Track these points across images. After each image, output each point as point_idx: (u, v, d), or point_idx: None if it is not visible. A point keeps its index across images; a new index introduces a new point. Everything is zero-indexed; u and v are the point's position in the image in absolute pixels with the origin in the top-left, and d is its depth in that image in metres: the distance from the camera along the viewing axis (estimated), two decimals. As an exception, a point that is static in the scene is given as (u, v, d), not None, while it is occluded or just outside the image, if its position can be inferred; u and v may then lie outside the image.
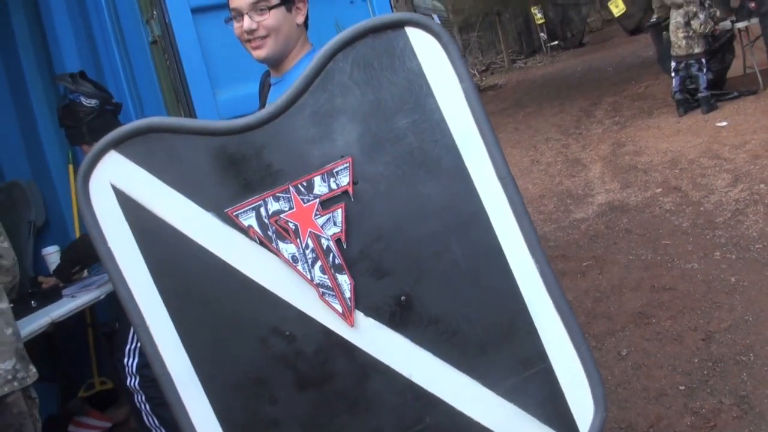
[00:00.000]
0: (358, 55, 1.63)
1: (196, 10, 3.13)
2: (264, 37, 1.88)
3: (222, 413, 1.64)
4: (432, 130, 1.64)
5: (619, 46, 20.78)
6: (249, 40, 1.90)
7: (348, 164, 1.60)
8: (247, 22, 1.87)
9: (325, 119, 1.62)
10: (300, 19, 1.95)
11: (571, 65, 19.47)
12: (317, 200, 1.60)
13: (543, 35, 24.78)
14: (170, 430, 3.02)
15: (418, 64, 1.64)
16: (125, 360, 2.96)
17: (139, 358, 2.97)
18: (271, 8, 1.86)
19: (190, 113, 3.11)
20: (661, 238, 4.83)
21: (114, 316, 3.63)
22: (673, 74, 8.60)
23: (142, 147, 1.63)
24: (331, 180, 1.60)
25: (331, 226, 1.61)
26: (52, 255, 3.70)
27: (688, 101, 8.77)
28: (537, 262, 1.66)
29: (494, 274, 1.67)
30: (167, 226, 1.62)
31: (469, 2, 26.68)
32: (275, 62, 1.96)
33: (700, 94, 8.43)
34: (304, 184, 1.60)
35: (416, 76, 1.63)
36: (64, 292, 3.14)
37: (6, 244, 2.30)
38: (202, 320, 1.63)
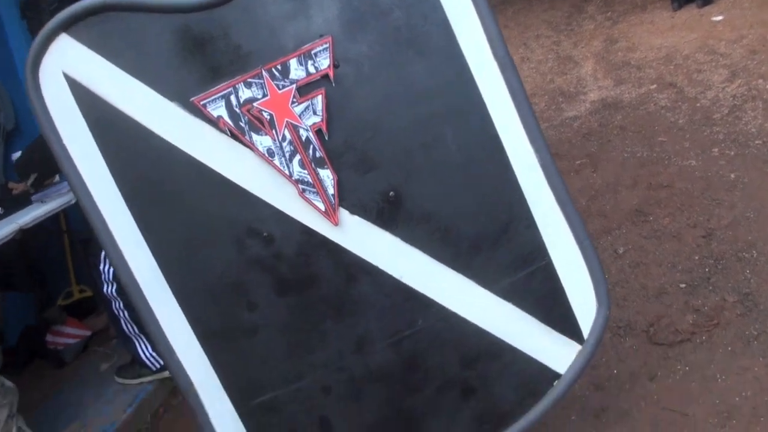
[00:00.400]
0: None
1: None
2: None
3: (196, 321, 1.51)
4: (421, 4, 1.45)
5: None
6: None
7: (328, 45, 1.42)
8: None
9: (300, -5, 1.43)
10: None
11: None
12: (294, 86, 1.43)
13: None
14: (148, 335, 2.92)
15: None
16: (101, 266, 2.83)
17: None
18: None
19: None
20: (656, 135, 4.66)
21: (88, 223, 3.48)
22: (669, -35, 8.23)
23: (97, 29, 1.44)
24: (309, 63, 1.43)
25: (311, 115, 1.44)
26: None
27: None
28: (537, 150, 1.52)
29: (490, 164, 1.52)
30: (127, 119, 1.46)
31: None
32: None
33: (696, -13, 8.11)
34: (279, 67, 1.42)
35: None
36: (34, 197, 2.97)
37: None
38: (169, 222, 1.49)
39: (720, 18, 7.30)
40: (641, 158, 4.33)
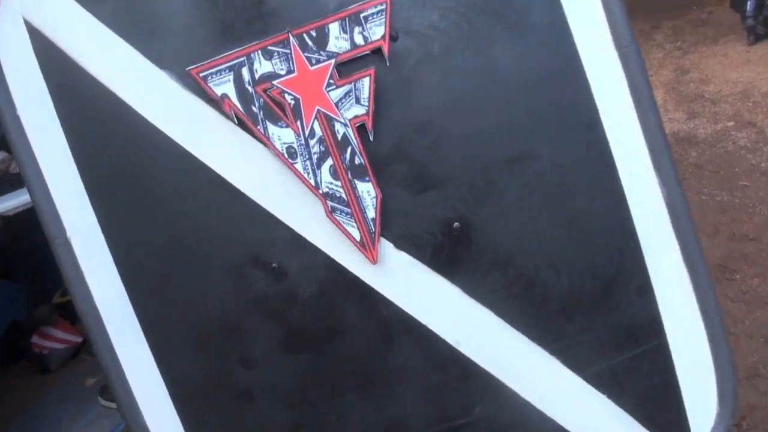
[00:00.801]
0: None
1: None
2: None
3: (170, 374, 1.11)
4: None
5: (676, -31, 19.64)
6: None
7: (385, 6, 1.00)
8: None
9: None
10: None
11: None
12: (332, 61, 1.01)
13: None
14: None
15: None
16: None
17: None
18: None
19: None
20: (737, 177, 4.24)
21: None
22: (748, -2, 7.76)
23: (74, -35, 1.05)
24: (356, 30, 1.01)
25: (352, 105, 1.01)
26: None
27: (758, 29, 7.97)
28: (663, 181, 1.08)
29: (596, 194, 1.09)
30: (100, 88, 1.08)
31: None
32: None
33: (776, 22, 7.63)
34: (313, 33, 1.00)
35: None
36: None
37: None
38: (145, 234, 1.08)
39: (800, 54, 6.82)
40: (721, 203, 3.90)
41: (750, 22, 7.93)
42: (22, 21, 1.08)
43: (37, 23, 1.08)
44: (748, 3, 7.83)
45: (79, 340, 3.05)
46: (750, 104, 5.75)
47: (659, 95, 6.75)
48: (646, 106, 1.08)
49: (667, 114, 6.05)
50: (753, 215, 3.65)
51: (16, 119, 1.09)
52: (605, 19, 1.05)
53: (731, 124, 5.34)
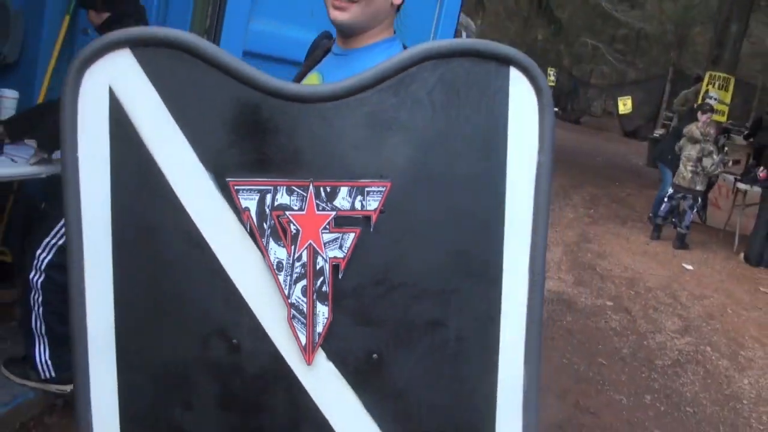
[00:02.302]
0: (448, 74, 1.37)
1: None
2: (353, 1, 1.60)
3: (126, 396, 1.37)
4: (487, 193, 1.40)
5: (611, 142, 21.03)
6: None
7: (384, 189, 1.35)
8: (344, -21, 1.59)
9: (381, 127, 1.36)
10: (397, 0, 1.68)
11: (561, 137, 19.54)
12: (334, 213, 1.35)
13: (548, 96, 25.14)
14: (52, 341, 2.72)
15: (506, 116, 1.39)
16: (37, 251, 2.65)
17: (53, 255, 2.66)
18: None
19: (216, 28, 2.81)
20: (599, 354, 4.70)
21: (43, 195, 3.30)
22: (666, 200, 8.60)
23: (163, 61, 1.34)
24: (358, 198, 1.35)
25: (335, 248, 1.35)
26: (7, 100, 3.36)
27: (662, 230, 8.82)
28: (525, 384, 1.45)
29: (478, 373, 1.44)
30: (152, 164, 1.35)
31: (497, 37, 26.81)
32: (350, 32, 1.67)
33: (679, 229, 8.47)
34: (328, 189, 1.34)
35: (497, 128, 1.39)
36: (6, 149, 2.81)
37: None
38: (146, 285, 1.37)
39: (690, 267, 7.57)
40: (578, 372, 4.34)
41: (659, 221, 8.80)
42: (107, 88, 1.36)
43: (119, 93, 1.35)
44: (663, 204, 8.68)
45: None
46: (632, 292, 6.37)
47: (558, 252, 7.38)
48: (534, 320, 1.45)
49: (559, 273, 6.62)
50: (600, 393, 4.10)
51: (75, 159, 1.35)
52: (529, 251, 1.43)
53: (610, 303, 5.91)
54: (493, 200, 1.41)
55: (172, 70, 1.34)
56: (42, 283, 2.63)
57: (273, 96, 1.34)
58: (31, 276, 2.64)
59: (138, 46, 1.34)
